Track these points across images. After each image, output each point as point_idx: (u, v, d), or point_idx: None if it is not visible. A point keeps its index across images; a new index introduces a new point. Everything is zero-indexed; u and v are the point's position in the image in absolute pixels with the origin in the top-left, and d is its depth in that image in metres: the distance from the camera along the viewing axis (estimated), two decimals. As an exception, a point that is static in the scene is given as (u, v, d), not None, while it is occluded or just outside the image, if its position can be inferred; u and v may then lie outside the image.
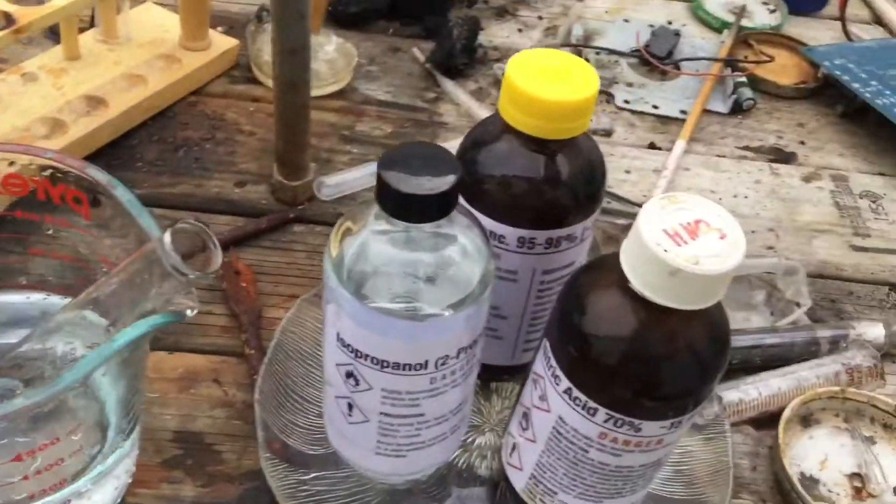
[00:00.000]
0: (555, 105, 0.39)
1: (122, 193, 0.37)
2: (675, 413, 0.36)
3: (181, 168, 0.63)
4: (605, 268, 0.37)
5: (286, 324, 0.50)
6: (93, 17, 0.70)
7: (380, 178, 0.35)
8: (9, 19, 0.55)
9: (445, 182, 0.35)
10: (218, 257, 0.33)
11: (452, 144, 0.45)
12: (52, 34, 0.73)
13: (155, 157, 0.63)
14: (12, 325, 0.43)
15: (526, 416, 0.41)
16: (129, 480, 0.42)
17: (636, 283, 0.33)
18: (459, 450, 0.47)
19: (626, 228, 0.64)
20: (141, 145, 0.64)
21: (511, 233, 0.42)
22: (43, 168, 0.38)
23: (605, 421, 0.36)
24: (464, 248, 0.38)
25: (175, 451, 0.46)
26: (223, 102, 0.69)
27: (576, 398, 0.36)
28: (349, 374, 0.39)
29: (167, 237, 0.32)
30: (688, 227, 0.33)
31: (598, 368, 0.35)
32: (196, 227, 0.33)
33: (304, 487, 0.44)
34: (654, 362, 0.35)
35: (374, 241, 0.37)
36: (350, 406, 0.41)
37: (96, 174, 0.38)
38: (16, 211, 0.40)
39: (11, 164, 0.38)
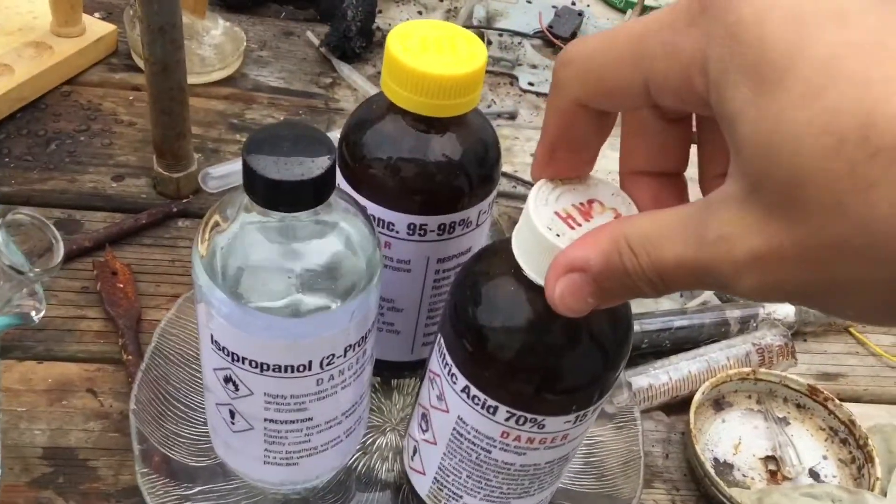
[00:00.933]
0: (441, 80, 0.36)
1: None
2: (579, 406, 0.33)
3: (53, 162, 0.58)
4: (497, 255, 0.35)
5: (166, 325, 0.46)
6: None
7: (246, 165, 0.31)
8: None
9: (319, 165, 0.31)
10: (59, 251, 0.30)
11: (337, 127, 0.42)
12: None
13: (23, 152, 0.58)
14: None
15: (425, 416, 0.38)
16: (-15, 508, 0.38)
17: (529, 271, 0.31)
18: (359, 452, 0.44)
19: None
20: (8, 139, 0.59)
21: (400, 219, 0.39)
22: None
23: (507, 419, 0.33)
24: (346, 236, 0.35)
25: (45, 469, 0.42)
26: (100, 92, 0.65)
27: (474, 397, 0.34)
28: (228, 379, 0.36)
29: None
30: (581, 207, 0.31)
31: (496, 363, 0.33)
32: (32, 217, 0.29)
33: (188, 503, 0.40)
34: (554, 353, 0.32)
35: (245, 234, 0.34)
36: (232, 413, 0.37)
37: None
38: None
39: None
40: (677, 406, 0.51)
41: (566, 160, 0.30)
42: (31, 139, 0.59)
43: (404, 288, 0.42)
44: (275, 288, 0.34)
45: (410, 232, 0.40)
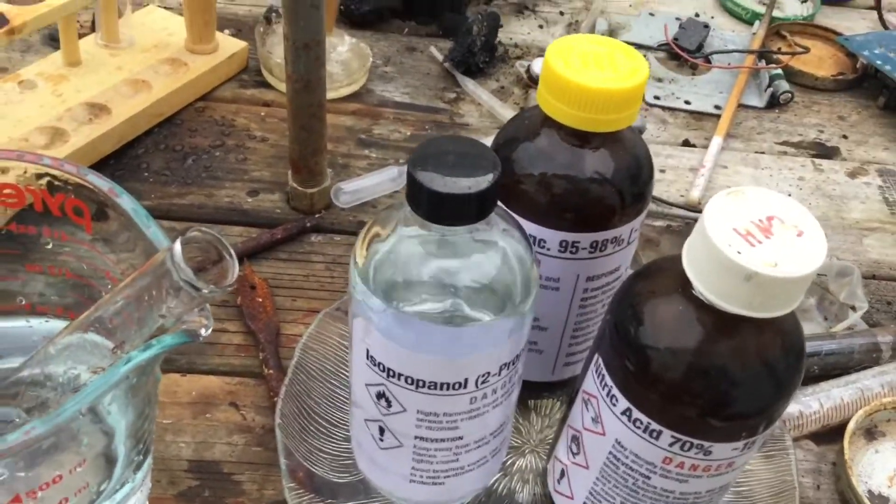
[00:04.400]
0: (600, 94, 0.35)
1: (127, 202, 0.33)
2: (749, 433, 0.32)
3: (190, 177, 0.59)
4: (662, 273, 0.34)
5: (307, 340, 0.46)
6: (94, 22, 0.67)
7: (411, 178, 0.31)
8: (1, 19, 0.51)
9: (484, 181, 0.31)
10: (234, 269, 0.30)
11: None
12: (52, 41, 0.70)
13: (162, 167, 0.60)
14: (13, 353, 0.39)
15: (576, 440, 0.37)
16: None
17: (703, 290, 0.29)
18: (499, 474, 0.43)
19: (665, 231, 0.61)
20: (147, 154, 0.61)
21: (552, 236, 0.38)
22: (39, 176, 0.34)
23: (671, 444, 0.32)
24: (504, 253, 0.34)
25: (191, 483, 0.42)
26: (233, 107, 0.66)
27: (636, 420, 0.32)
28: (380, 395, 0.36)
29: (177, 248, 0.28)
30: (760, 224, 0.29)
31: (662, 385, 0.31)
32: (208, 235, 0.29)
33: (333, 520, 0.40)
34: (726, 377, 0.31)
35: (404, 248, 0.33)
36: (381, 430, 0.37)
37: (97, 181, 0.34)
38: (11, 224, 0.36)
39: (4, 171, 0.34)
40: (826, 435, 0.48)
41: None
42: (168, 154, 0.61)
43: (551, 306, 0.41)
44: (433, 302, 0.34)
45: (562, 249, 0.39)
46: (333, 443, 0.43)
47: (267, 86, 0.68)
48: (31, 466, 0.29)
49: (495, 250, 0.34)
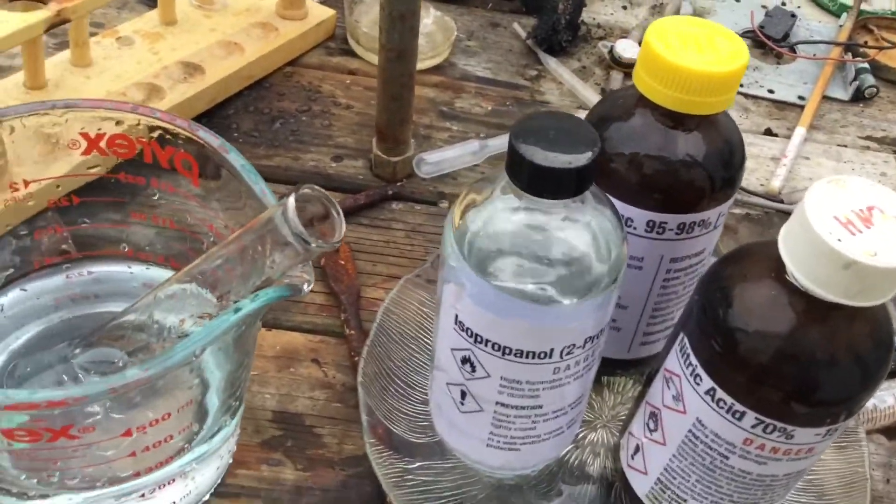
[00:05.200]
0: (700, 76, 0.35)
1: (236, 158, 0.35)
2: (832, 420, 0.32)
3: (277, 140, 0.61)
4: (753, 258, 0.34)
5: (388, 304, 0.48)
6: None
7: (512, 149, 0.32)
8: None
9: (584, 157, 0.32)
10: (342, 226, 0.31)
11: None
12: None
13: (251, 128, 0.61)
14: (112, 297, 0.41)
15: (654, 416, 0.37)
16: (230, 461, 0.40)
17: (799, 276, 0.30)
18: (571, 446, 0.44)
19: (744, 218, 0.61)
20: (236, 115, 0.62)
21: (640, 216, 0.39)
22: (152, 129, 0.36)
23: (753, 426, 0.33)
24: (596, 230, 0.34)
25: (275, 432, 0.44)
26: (319, 74, 0.67)
27: (720, 400, 0.33)
28: (465, 360, 0.37)
29: (291, 202, 0.29)
30: (860, 214, 0.29)
31: (750, 367, 0.32)
32: (318, 193, 0.30)
33: (409, 477, 0.41)
34: (814, 362, 0.31)
35: (500, 217, 0.34)
36: (463, 394, 0.38)
37: (207, 137, 0.35)
38: (120, 173, 0.38)
39: (118, 123, 0.36)
40: (897, 431, 0.48)
41: None
42: (257, 116, 0.62)
43: (633, 285, 0.42)
44: (526, 272, 0.34)
45: (649, 229, 0.39)
46: (411, 405, 0.44)
47: (352, 54, 0.70)
48: (141, 404, 0.31)
49: (587, 227, 0.34)
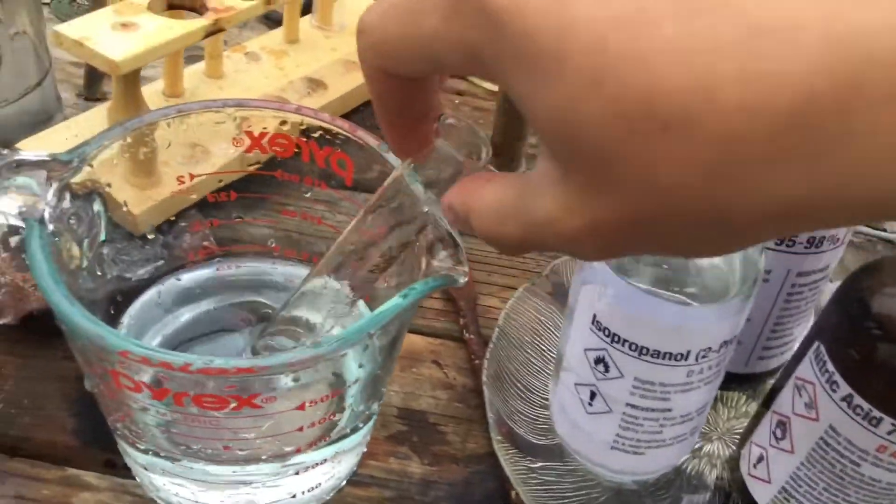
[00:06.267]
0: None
1: (392, 157, 0.37)
2: (972, 429, 0.33)
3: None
4: (893, 268, 0.35)
5: (508, 311, 0.49)
6: (308, 4, 0.72)
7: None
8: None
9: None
10: (488, 148, 0.31)
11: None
12: (266, 19, 0.75)
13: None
14: (258, 290, 0.43)
15: (782, 425, 0.38)
16: (364, 450, 0.42)
17: (944, 284, 0.31)
18: (688, 455, 0.45)
19: (849, 245, 0.61)
20: (355, 130, 0.65)
21: (771, 229, 0.40)
22: (313, 129, 0.38)
23: (890, 432, 0.33)
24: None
25: (401, 427, 0.45)
26: (431, 94, 0.69)
27: (856, 406, 0.34)
28: (599, 360, 0.38)
29: (441, 120, 0.30)
30: None
31: (888, 374, 0.33)
32: (463, 122, 0.30)
33: (533, 475, 0.42)
34: (957, 371, 0.32)
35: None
36: (593, 394, 0.39)
37: (366, 137, 0.37)
38: (276, 171, 0.40)
39: (283, 123, 0.38)
40: None
41: (412, 130, 0.29)
42: (373, 131, 0.64)
43: (758, 298, 0.42)
44: (666, 274, 0.36)
45: (779, 241, 0.40)
46: (531, 407, 0.46)
47: (460, 76, 0.72)
48: (313, 382, 0.33)
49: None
